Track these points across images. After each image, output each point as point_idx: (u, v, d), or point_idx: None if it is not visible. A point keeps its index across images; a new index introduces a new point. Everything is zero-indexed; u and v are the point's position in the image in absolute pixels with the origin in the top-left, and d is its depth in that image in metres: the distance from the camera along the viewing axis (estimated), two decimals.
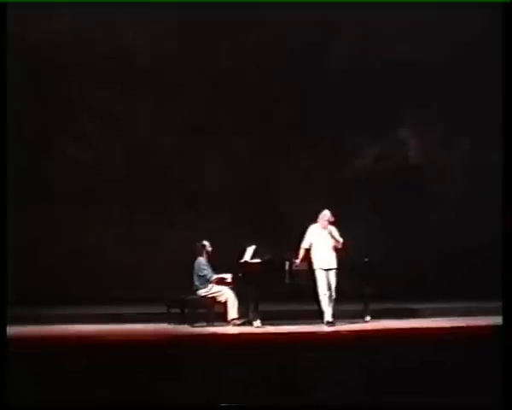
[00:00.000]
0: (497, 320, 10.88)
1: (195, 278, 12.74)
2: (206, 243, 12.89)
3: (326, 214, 12.13)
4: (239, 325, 12.32)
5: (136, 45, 16.54)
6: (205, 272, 12.68)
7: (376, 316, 12.58)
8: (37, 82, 16.38)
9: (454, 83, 16.45)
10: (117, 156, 17.02)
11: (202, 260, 12.82)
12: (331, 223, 12.16)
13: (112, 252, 16.12)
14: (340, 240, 12.15)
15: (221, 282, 12.68)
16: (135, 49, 16.55)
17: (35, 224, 16.20)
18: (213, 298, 12.62)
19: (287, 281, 12.24)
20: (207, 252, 12.88)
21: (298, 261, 12.19)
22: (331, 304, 11.95)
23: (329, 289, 11.99)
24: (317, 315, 12.00)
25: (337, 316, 12.04)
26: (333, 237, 12.13)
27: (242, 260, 12.57)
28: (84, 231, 16.46)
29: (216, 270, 12.78)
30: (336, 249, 12.19)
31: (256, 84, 16.56)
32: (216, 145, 16.71)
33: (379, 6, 15.74)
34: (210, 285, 12.63)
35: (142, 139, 16.92)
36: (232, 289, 12.61)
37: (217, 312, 12.67)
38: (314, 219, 12.30)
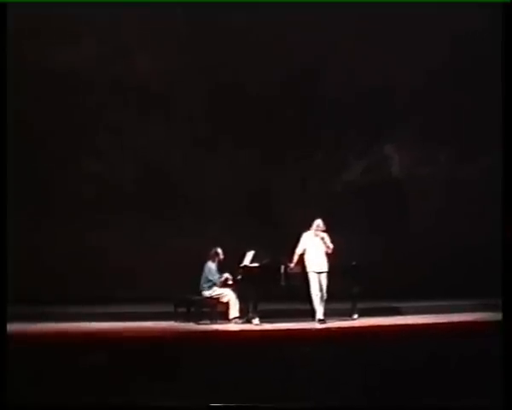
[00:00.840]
0: (478, 317, 11.65)
1: (203, 280, 13.16)
2: (219, 250, 13.25)
3: (319, 224, 12.67)
4: (240, 323, 12.79)
5: (143, 64, 16.67)
6: (214, 278, 13.13)
7: (363, 314, 12.94)
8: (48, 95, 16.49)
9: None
10: (122, 163, 17.19)
11: (213, 265, 13.22)
12: (323, 230, 12.66)
13: (116, 255, 16.26)
14: (331, 246, 12.62)
15: (224, 284, 13.16)
16: (142, 69, 16.68)
17: (43, 225, 16.46)
18: (217, 299, 13.07)
19: (282, 283, 12.72)
20: (219, 259, 13.27)
21: (292, 265, 12.69)
22: (322, 303, 12.42)
23: (321, 290, 12.46)
24: (310, 314, 12.45)
25: (328, 314, 12.46)
26: (324, 243, 12.62)
27: (242, 264, 13.07)
28: (89, 234, 16.59)
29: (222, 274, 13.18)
30: (327, 254, 12.65)
31: (255, 100, 16.73)
32: (218, 156, 16.95)
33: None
34: (214, 287, 13.12)
35: (147, 149, 17.11)
36: (233, 290, 13.05)
37: (219, 311, 13.10)
38: (308, 227, 12.73)
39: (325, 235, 12.73)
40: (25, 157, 16.12)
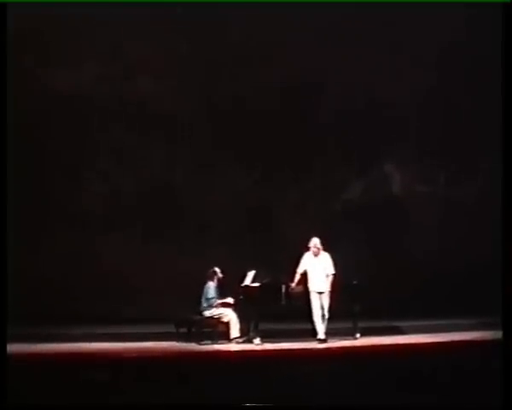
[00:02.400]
0: (478, 335, 11.82)
1: (203, 301, 13.16)
2: (217, 269, 13.29)
3: (315, 242, 12.70)
4: (241, 342, 12.80)
5: (146, 87, 16.88)
6: (211, 296, 13.10)
7: (364, 334, 12.86)
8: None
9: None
10: (124, 182, 17.29)
11: (212, 285, 13.22)
12: (320, 249, 12.67)
13: (118, 275, 16.26)
14: (331, 272, 12.65)
15: (224, 304, 13.13)
16: (146, 92, 16.87)
17: (42, 245, 16.58)
18: (217, 319, 13.08)
19: (283, 302, 12.72)
20: (218, 278, 13.28)
21: (293, 285, 12.72)
22: (324, 323, 12.48)
23: (322, 309, 12.51)
24: (311, 333, 12.47)
25: (330, 334, 12.48)
26: (325, 267, 12.65)
27: (243, 284, 13.11)
28: (91, 254, 16.66)
29: (223, 293, 13.17)
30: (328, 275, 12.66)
31: (255, 118, 16.86)
32: (218, 175, 17.07)
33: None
34: (214, 307, 13.10)
35: (148, 168, 17.25)
36: (234, 310, 13.08)
37: (220, 331, 13.05)
38: (306, 246, 12.75)
39: (328, 257, 12.74)
40: (26, 171, 16.24)
